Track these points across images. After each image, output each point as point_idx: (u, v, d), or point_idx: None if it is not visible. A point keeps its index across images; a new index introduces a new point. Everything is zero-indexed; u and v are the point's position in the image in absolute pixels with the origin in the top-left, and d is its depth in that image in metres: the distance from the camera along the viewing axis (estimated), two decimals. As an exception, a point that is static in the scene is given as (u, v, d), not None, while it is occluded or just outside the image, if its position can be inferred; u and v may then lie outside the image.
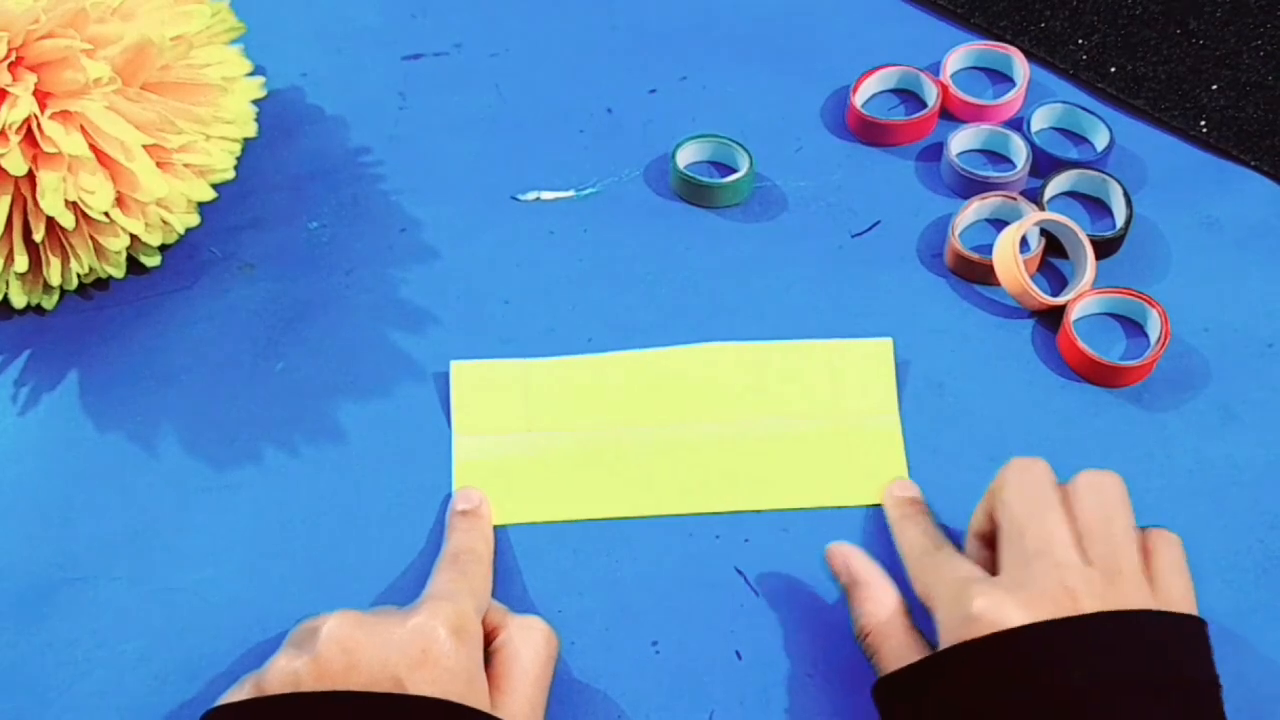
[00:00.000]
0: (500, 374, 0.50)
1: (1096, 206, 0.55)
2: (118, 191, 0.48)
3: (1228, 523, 0.46)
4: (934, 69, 0.59)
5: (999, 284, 0.52)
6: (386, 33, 0.63)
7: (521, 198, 0.57)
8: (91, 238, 0.49)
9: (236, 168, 0.53)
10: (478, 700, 0.38)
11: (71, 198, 0.47)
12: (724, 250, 0.54)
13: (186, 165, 0.50)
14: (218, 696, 0.41)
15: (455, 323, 0.52)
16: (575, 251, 0.54)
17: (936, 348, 0.51)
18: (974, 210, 0.54)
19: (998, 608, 0.37)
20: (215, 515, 0.47)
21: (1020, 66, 0.59)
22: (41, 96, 0.47)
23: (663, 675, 0.43)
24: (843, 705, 0.42)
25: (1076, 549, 0.38)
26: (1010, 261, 0.51)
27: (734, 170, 0.56)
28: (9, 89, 0.46)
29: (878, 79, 0.59)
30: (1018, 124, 0.57)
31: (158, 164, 0.49)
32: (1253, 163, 0.56)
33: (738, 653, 0.43)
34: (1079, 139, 0.58)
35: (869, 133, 0.58)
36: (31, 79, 0.46)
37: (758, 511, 0.46)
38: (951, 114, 0.59)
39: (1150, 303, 0.50)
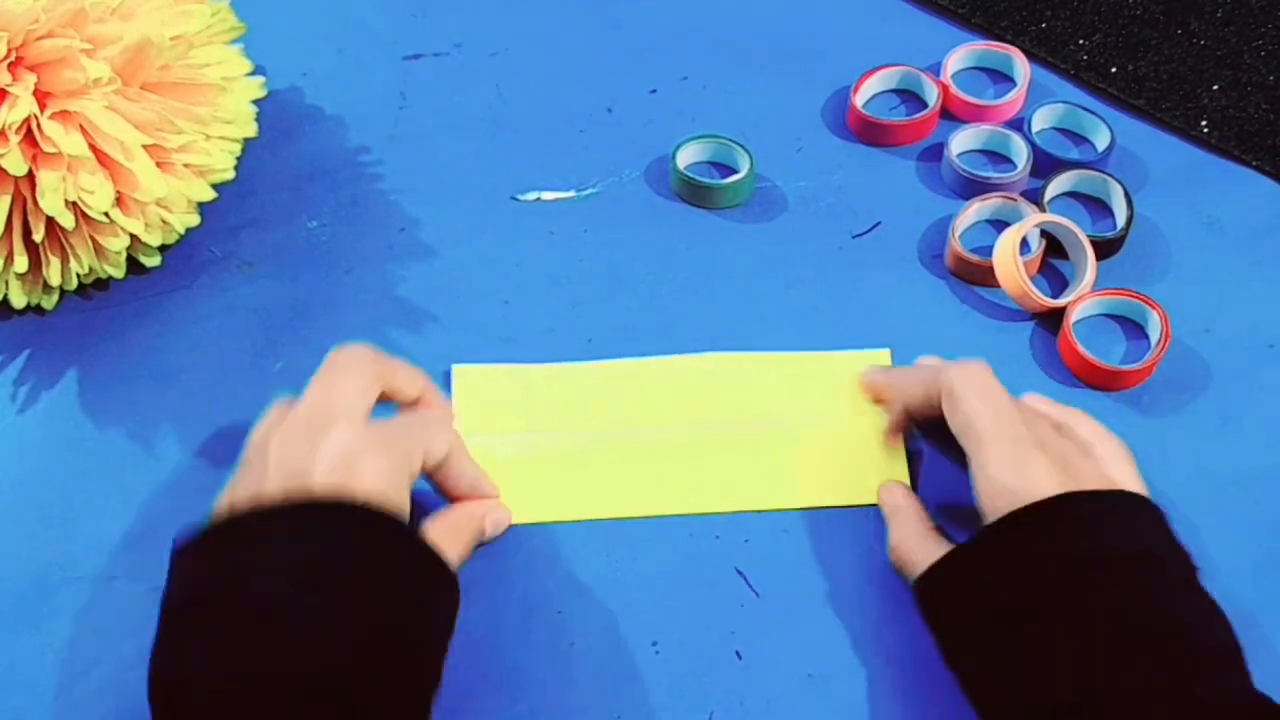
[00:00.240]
0: (501, 379, 0.50)
1: (1097, 207, 0.55)
2: (117, 191, 0.48)
3: (1228, 525, 0.46)
4: (935, 69, 0.59)
5: (999, 286, 0.52)
6: (387, 33, 0.63)
7: (522, 198, 0.56)
8: (91, 238, 0.49)
9: (236, 168, 0.53)
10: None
11: (71, 198, 0.47)
12: (724, 251, 0.54)
13: (186, 165, 0.50)
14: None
15: (455, 323, 0.52)
16: (575, 252, 0.54)
17: (936, 350, 0.51)
18: (975, 211, 0.54)
19: (1037, 475, 0.40)
20: (215, 515, 0.47)
21: (1021, 67, 0.59)
22: (41, 96, 0.47)
23: (663, 675, 0.43)
24: (843, 706, 0.42)
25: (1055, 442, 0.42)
26: (1010, 264, 0.50)
27: (734, 171, 0.56)
28: (9, 89, 0.46)
29: (878, 79, 0.59)
30: (1018, 124, 0.57)
31: (157, 164, 0.49)
32: (1254, 163, 0.56)
33: (738, 653, 0.43)
34: (1080, 139, 0.58)
35: (869, 133, 0.58)
36: (31, 79, 0.46)
37: (758, 512, 0.46)
38: (952, 114, 0.59)
39: (1150, 304, 0.50)
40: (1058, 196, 0.55)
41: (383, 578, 0.38)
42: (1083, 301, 0.50)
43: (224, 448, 0.49)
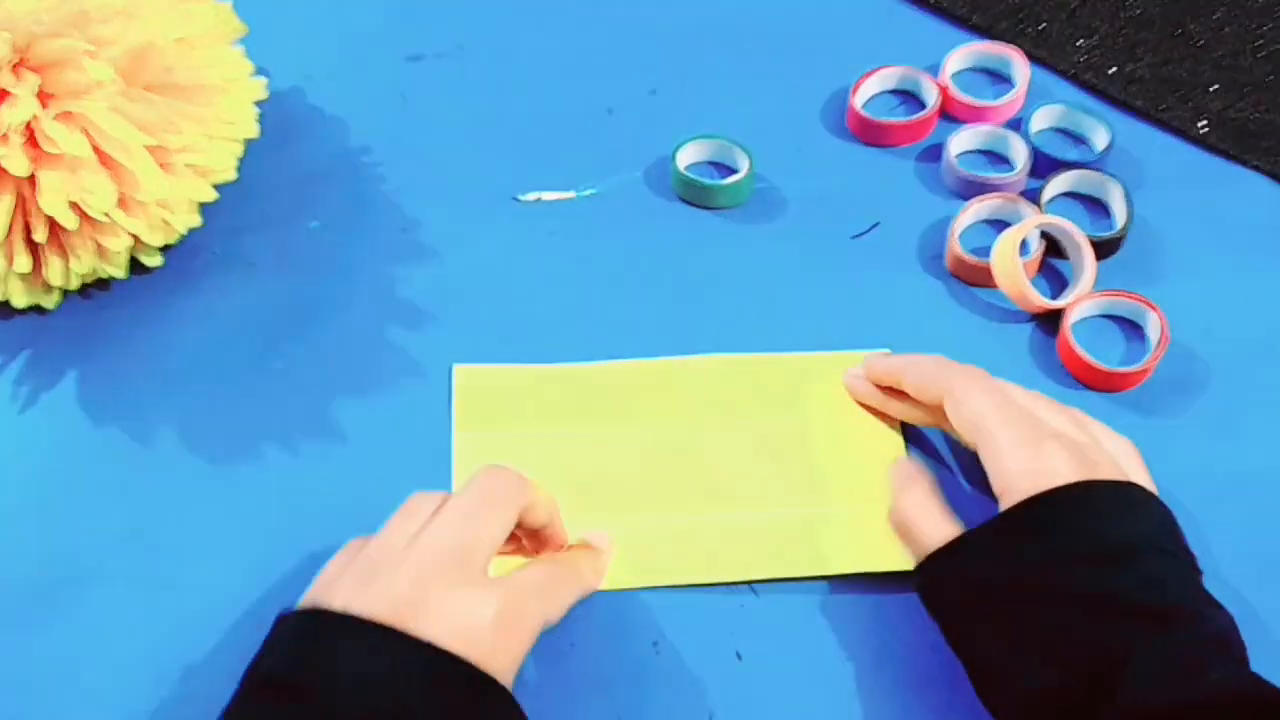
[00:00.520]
0: (503, 379, 0.50)
1: (1096, 207, 0.55)
2: (119, 192, 0.48)
3: (1230, 526, 0.46)
4: (934, 70, 0.59)
5: (998, 287, 0.52)
6: (388, 34, 0.63)
7: (522, 198, 0.57)
8: (93, 238, 0.49)
9: (238, 168, 0.53)
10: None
11: (73, 198, 0.47)
12: (724, 251, 0.54)
13: (188, 166, 0.50)
14: (216, 696, 0.41)
15: (455, 323, 0.52)
16: (575, 252, 0.54)
17: (935, 351, 0.50)
18: (974, 212, 0.54)
19: (1056, 459, 0.40)
20: (215, 515, 0.47)
21: (1020, 67, 0.59)
22: (44, 97, 0.47)
23: (663, 676, 0.43)
24: (843, 706, 0.42)
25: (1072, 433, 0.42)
26: (1009, 266, 0.50)
27: (734, 171, 0.56)
28: (11, 90, 0.46)
29: (877, 80, 0.59)
30: (1017, 125, 0.57)
31: (159, 164, 0.49)
32: (1253, 163, 0.56)
33: (738, 653, 0.43)
34: (1078, 140, 0.58)
35: (869, 133, 0.58)
36: (34, 80, 0.46)
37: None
38: (951, 115, 0.59)
39: (1149, 305, 0.50)
40: (1056, 197, 0.55)
41: None
42: (1081, 303, 0.51)
43: (225, 448, 0.49)
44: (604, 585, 0.45)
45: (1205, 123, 0.58)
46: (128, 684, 0.43)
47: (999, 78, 0.60)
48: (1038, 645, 0.37)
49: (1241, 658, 0.38)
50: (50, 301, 0.52)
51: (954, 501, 0.44)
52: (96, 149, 0.47)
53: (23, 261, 0.49)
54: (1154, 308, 0.50)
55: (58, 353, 0.52)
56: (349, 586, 0.38)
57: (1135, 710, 0.35)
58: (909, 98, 0.60)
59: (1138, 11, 0.62)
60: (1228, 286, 0.52)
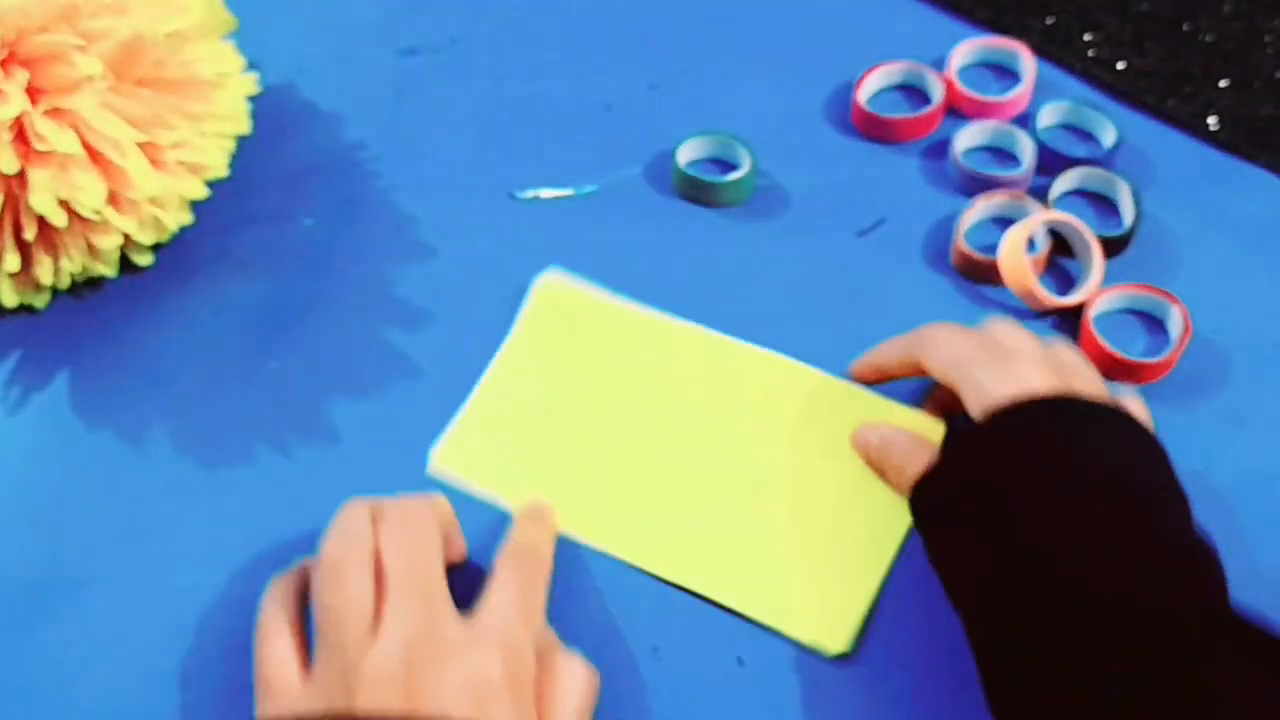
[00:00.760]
0: (581, 303, 0.51)
1: (1104, 205, 0.55)
2: (110, 189, 0.48)
3: (1237, 526, 0.45)
4: (939, 65, 0.59)
5: (1005, 284, 0.51)
6: (382, 27, 0.63)
7: (520, 195, 0.56)
8: (84, 236, 0.49)
9: (230, 165, 0.52)
10: None
11: (63, 196, 0.47)
12: (725, 249, 0.54)
13: (180, 162, 0.50)
14: (210, 699, 0.40)
15: (451, 322, 0.52)
16: (574, 250, 0.54)
17: (941, 349, 0.50)
18: (980, 209, 0.53)
19: (1032, 378, 0.40)
20: (208, 516, 0.47)
21: (1027, 63, 0.58)
22: (33, 93, 0.46)
23: (664, 681, 0.42)
24: (844, 712, 0.42)
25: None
26: (1016, 262, 0.50)
27: (736, 168, 0.56)
28: (0, 86, 0.45)
29: (882, 75, 0.59)
30: (1024, 121, 0.57)
31: (150, 161, 0.48)
32: (1262, 160, 0.56)
33: (739, 659, 0.43)
34: (1086, 136, 0.57)
35: (873, 129, 0.57)
36: (23, 75, 0.46)
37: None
38: (957, 110, 0.58)
39: (1172, 299, 0.50)
40: (1064, 194, 0.55)
41: None
42: (1103, 296, 0.50)
43: (218, 449, 0.48)
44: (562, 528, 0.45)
45: (1215, 119, 0.57)
46: (120, 686, 0.43)
47: (1006, 73, 0.60)
48: (1014, 554, 0.37)
49: (1222, 588, 0.37)
50: (40, 301, 0.52)
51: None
52: (86, 145, 0.47)
53: (12, 260, 0.49)
54: (1176, 301, 0.50)
55: (48, 352, 0.52)
56: (355, 693, 0.36)
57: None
58: (914, 93, 0.59)
59: (1146, 6, 0.62)
60: (1237, 284, 0.52)
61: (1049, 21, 0.62)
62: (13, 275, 0.50)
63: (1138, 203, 0.53)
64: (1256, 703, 0.34)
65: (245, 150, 0.55)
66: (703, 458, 0.47)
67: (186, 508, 0.47)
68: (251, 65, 0.55)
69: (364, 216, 0.55)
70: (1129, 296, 0.51)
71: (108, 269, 0.51)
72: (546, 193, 0.56)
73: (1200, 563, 0.37)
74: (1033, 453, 0.38)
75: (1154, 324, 0.51)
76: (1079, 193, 0.55)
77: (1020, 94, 0.57)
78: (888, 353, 0.47)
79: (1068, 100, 0.57)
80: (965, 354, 0.43)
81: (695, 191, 0.55)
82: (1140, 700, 0.34)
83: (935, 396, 0.47)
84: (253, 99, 0.54)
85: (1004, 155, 0.56)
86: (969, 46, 0.60)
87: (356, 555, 0.39)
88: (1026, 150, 0.55)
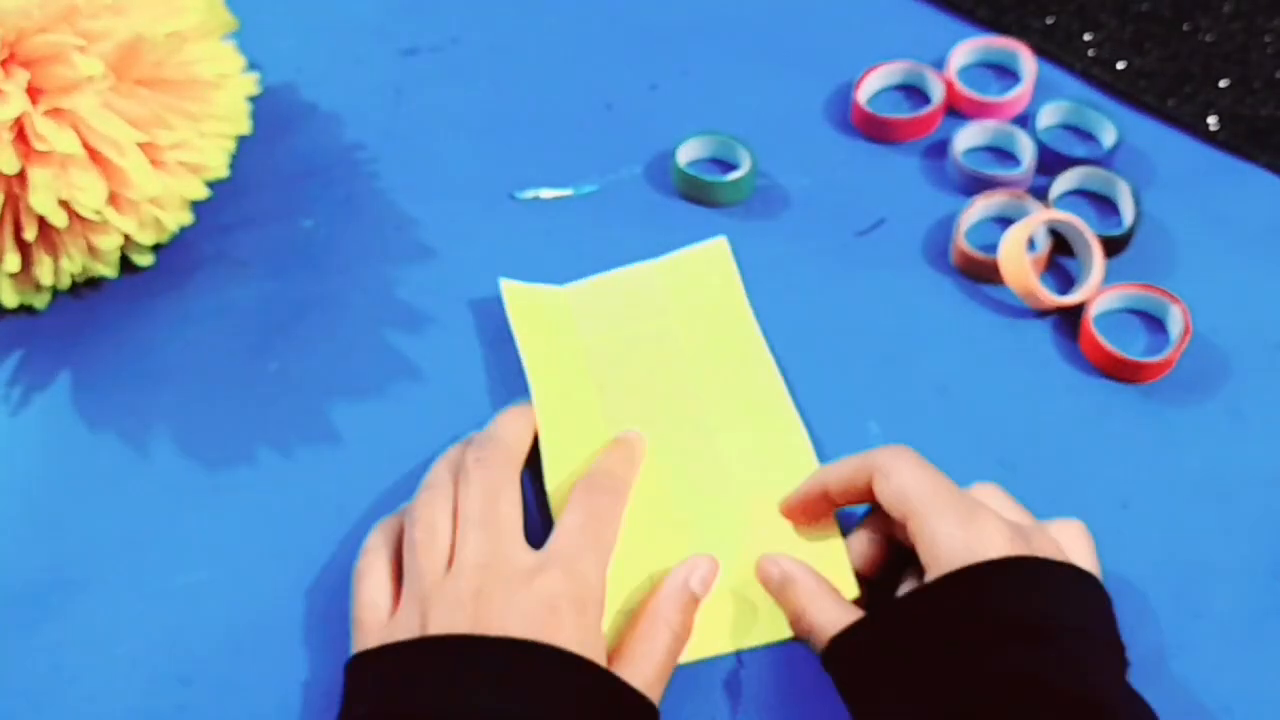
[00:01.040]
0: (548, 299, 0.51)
1: (1104, 205, 0.55)
2: (110, 189, 0.48)
3: (1237, 525, 0.45)
4: (939, 65, 0.59)
5: (1005, 283, 0.51)
6: (382, 27, 0.63)
7: (519, 196, 0.56)
8: (84, 236, 0.49)
9: (230, 165, 0.52)
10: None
11: (63, 196, 0.47)
12: (725, 249, 0.54)
13: (180, 162, 0.50)
14: (210, 699, 0.40)
15: (451, 322, 0.52)
16: (574, 250, 0.54)
17: (941, 348, 0.50)
18: (980, 208, 0.53)
19: (990, 531, 0.38)
20: (209, 517, 0.47)
21: (1027, 62, 0.58)
22: (33, 93, 0.46)
23: (663, 681, 0.42)
24: (844, 712, 0.42)
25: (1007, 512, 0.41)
26: (1017, 261, 0.50)
27: (735, 168, 0.56)
28: (0, 86, 0.45)
29: (882, 75, 0.59)
30: (1024, 121, 0.57)
31: (150, 161, 0.48)
32: (1262, 160, 0.56)
33: (739, 658, 0.43)
34: (1086, 136, 0.57)
35: (873, 129, 0.57)
36: (23, 75, 0.46)
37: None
38: (957, 110, 0.58)
39: (1172, 299, 0.50)
40: (1064, 194, 0.55)
41: None
42: (1103, 295, 0.50)
43: (218, 448, 0.48)
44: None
45: (1214, 119, 0.57)
46: (120, 687, 0.43)
47: (1006, 73, 0.60)
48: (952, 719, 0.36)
49: None
50: (41, 301, 0.52)
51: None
52: (87, 146, 0.47)
53: (12, 260, 0.49)
54: (1176, 300, 0.50)
55: (49, 353, 0.52)
56: (428, 616, 0.38)
57: None
58: (914, 93, 0.59)
59: (1146, 6, 0.62)
60: (1237, 284, 0.52)
61: (1049, 21, 0.62)
62: (13, 275, 0.50)
63: (1138, 202, 0.53)
64: None
65: (245, 151, 0.55)
66: (677, 468, 0.47)
67: (186, 508, 0.47)
68: (252, 66, 0.55)
69: (364, 217, 0.55)
70: (1129, 296, 0.51)
71: (108, 269, 0.51)
72: (547, 193, 0.56)
73: None
74: (984, 621, 0.37)
75: (1154, 323, 0.51)
76: (1079, 192, 0.55)
77: (1020, 94, 0.57)
78: (837, 473, 0.43)
79: (1068, 100, 0.57)
80: (924, 492, 0.39)
81: (695, 191, 0.55)
82: None
83: (873, 523, 0.44)
84: (253, 99, 0.54)
85: (1004, 155, 0.56)
86: (969, 46, 0.60)
87: (440, 498, 0.42)
88: (1026, 150, 0.55)
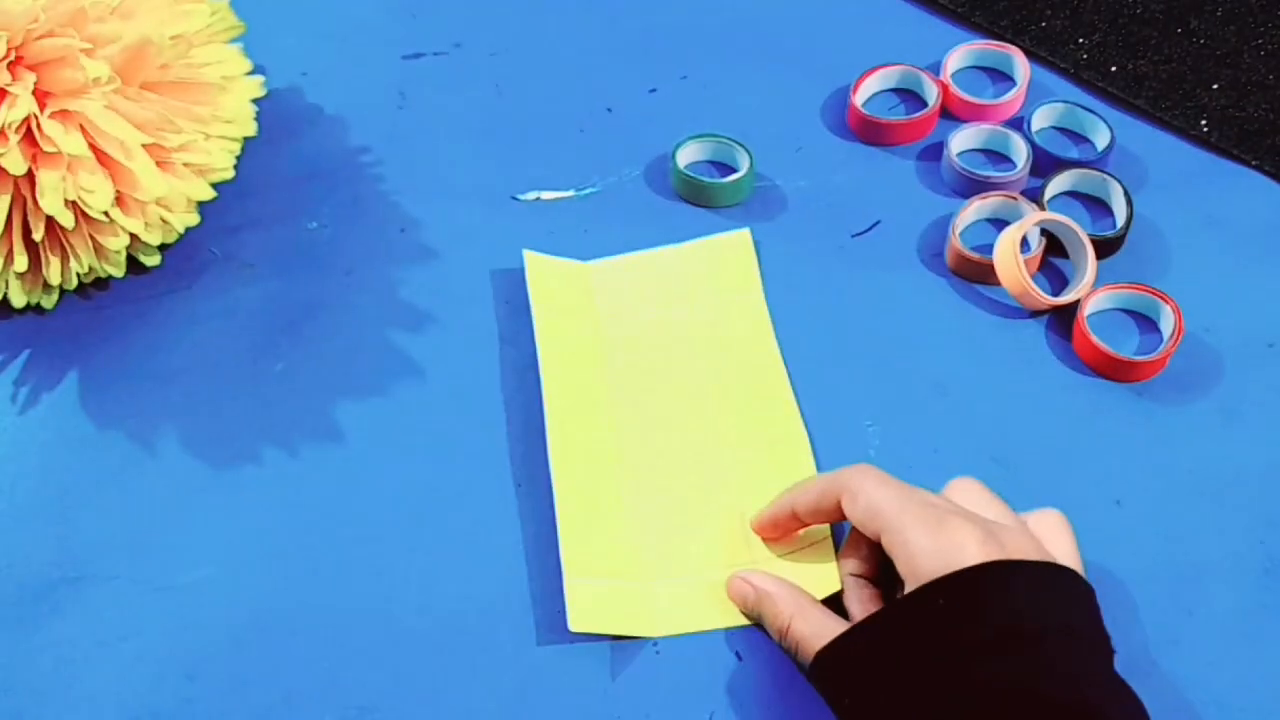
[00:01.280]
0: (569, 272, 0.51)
1: (1097, 206, 0.55)
2: (117, 191, 0.48)
3: (1229, 523, 0.45)
4: (934, 68, 0.59)
5: (1000, 284, 0.52)
6: (386, 32, 0.63)
7: (521, 197, 0.56)
8: (91, 237, 0.49)
9: (236, 167, 0.53)
10: None
11: (71, 197, 0.47)
12: (724, 250, 0.54)
13: (186, 164, 0.50)
14: (215, 696, 0.40)
15: (454, 323, 0.52)
16: (575, 251, 0.54)
17: (937, 348, 0.51)
18: (974, 210, 0.54)
19: (962, 536, 0.38)
20: (214, 515, 0.47)
21: (1021, 66, 0.59)
22: (41, 96, 0.47)
23: (663, 676, 0.43)
24: (843, 706, 0.42)
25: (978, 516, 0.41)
26: (1011, 261, 0.50)
27: (734, 170, 0.56)
28: (8, 88, 0.46)
29: (878, 78, 0.59)
30: (1018, 123, 0.57)
31: (157, 163, 0.49)
32: (1254, 162, 0.56)
33: (737, 653, 0.43)
34: (1080, 138, 0.58)
35: (869, 132, 0.58)
36: (31, 78, 0.46)
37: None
38: (952, 113, 0.58)
39: (1164, 298, 0.50)
40: (1057, 196, 0.55)
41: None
42: (1096, 295, 0.51)
43: (224, 448, 0.49)
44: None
45: (1206, 121, 0.57)
46: (126, 683, 0.43)
47: (1000, 76, 0.60)
48: None
49: None
50: (49, 301, 0.52)
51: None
52: (94, 147, 0.47)
53: (21, 261, 0.49)
54: (1168, 300, 0.50)
55: (56, 352, 0.52)
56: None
57: None
58: (910, 96, 0.60)
59: (1139, 9, 0.62)
60: (1228, 284, 0.52)
61: (1043, 25, 0.62)
62: (21, 275, 0.50)
63: (1130, 204, 0.53)
64: None
65: (251, 153, 0.55)
66: (671, 457, 0.48)
67: (192, 506, 0.47)
68: (257, 69, 0.55)
69: (368, 218, 0.56)
70: (1122, 296, 0.51)
71: (115, 269, 0.51)
72: (548, 195, 0.57)
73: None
74: (965, 628, 0.37)
75: (1146, 323, 0.51)
76: (1072, 194, 0.55)
77: (1014, 97, 0.58)
78: (805, 497, 0.43)
79: (1061, 103, 0.57)
80: (892, 506, 0.40)
81: (694, 193, 0.56)
82: None
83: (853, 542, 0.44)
84: (258, 102, 0.54)
85: (999, 157, 0.57)
86: (964, 50, 0.60)
87: None
88: (1021, 152, 0.55)
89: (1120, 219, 0.54)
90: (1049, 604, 0.38)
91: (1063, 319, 0.51)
